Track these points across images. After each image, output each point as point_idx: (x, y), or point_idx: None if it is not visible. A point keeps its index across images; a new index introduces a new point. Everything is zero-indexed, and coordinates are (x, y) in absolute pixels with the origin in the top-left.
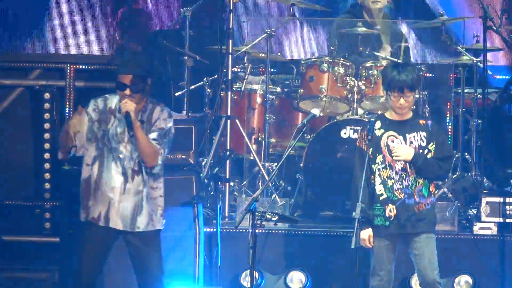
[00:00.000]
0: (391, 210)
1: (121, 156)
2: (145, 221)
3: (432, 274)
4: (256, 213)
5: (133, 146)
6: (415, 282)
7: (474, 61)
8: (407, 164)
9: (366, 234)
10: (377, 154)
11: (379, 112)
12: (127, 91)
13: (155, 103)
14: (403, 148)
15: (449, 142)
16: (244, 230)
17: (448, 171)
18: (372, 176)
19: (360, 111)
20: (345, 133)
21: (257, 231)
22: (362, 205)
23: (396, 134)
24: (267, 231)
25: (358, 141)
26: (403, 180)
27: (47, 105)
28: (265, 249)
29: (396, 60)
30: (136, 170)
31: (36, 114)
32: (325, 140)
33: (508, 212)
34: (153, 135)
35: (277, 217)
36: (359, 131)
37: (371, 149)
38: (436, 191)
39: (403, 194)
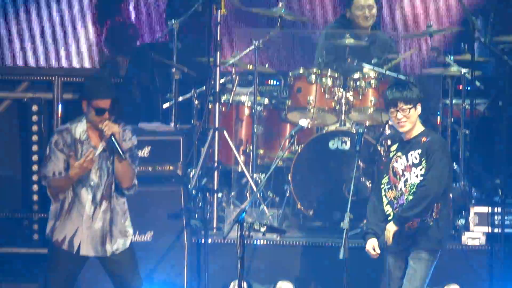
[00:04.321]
0: None
1: (92, 183)
2: (115, 244)
3: None
4: (244, 224)
5: (102, 173)
6: None
7: (462, 72)
8: (403, 183)
9: (370, 244)
10: (385, 175)
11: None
12: (106, 115)
13: (116, 123)
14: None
15: (446, 171)
16: (232, 241)
17: (425, 208)
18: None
19: (348, 122)
20: (333, 144)
21: (245, 241)
22: (351, 215)
23: (401, 154)
24: (255, 241)
25: (377, 163)
26: (399, 199)
27: (35, 118)
28: (253, 259)
29: (382, 71)
30: (105, 196)
31: (24, 127)
32: (313, 151)
33: (496, 222)
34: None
35: (265, 228)
36: (382, 153)
37: (382, 168)
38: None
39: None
